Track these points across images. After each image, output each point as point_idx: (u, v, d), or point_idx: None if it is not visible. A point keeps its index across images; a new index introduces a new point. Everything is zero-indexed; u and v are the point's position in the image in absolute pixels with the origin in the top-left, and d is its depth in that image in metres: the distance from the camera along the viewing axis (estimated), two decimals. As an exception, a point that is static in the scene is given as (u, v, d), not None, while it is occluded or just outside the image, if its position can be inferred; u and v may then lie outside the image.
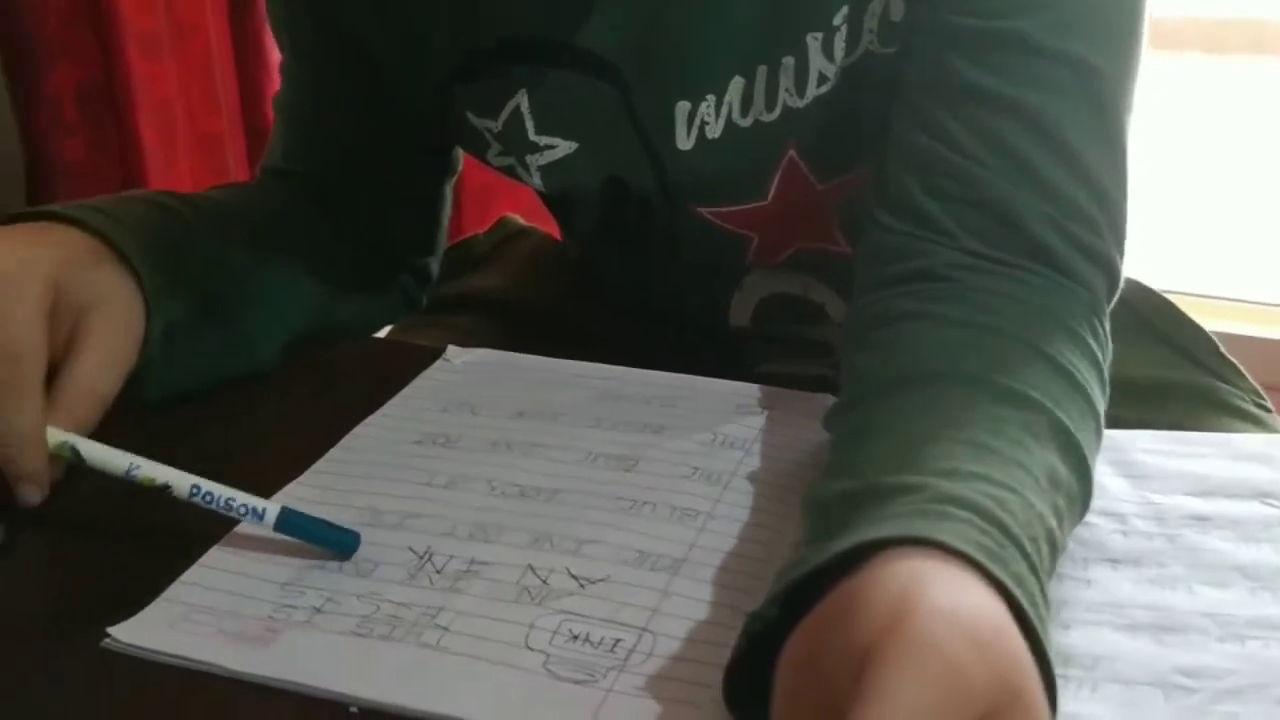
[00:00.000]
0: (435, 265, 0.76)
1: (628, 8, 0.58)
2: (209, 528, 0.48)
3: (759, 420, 0.57)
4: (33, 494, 0.50)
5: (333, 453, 0.55)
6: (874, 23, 0.56)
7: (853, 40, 0.56)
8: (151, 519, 0.51)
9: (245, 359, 0.63)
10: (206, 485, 0.48)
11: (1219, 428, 0.66)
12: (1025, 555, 0.37)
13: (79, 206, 0.57)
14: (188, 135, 2.17)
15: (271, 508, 0.47)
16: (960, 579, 0.34)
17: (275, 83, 2.05)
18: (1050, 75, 0.51)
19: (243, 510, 0.47)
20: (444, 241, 0.76)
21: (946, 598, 0.32)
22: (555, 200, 0.73)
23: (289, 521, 0.47)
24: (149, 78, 2.14)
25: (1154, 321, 0.73)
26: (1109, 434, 0.53)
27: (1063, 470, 0.43)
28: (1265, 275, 1.96)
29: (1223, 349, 0.73)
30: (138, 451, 0.49)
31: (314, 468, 0.54)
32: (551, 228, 0.83)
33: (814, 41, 0.56)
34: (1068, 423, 0.44)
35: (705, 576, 0.45)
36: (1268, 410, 0.71)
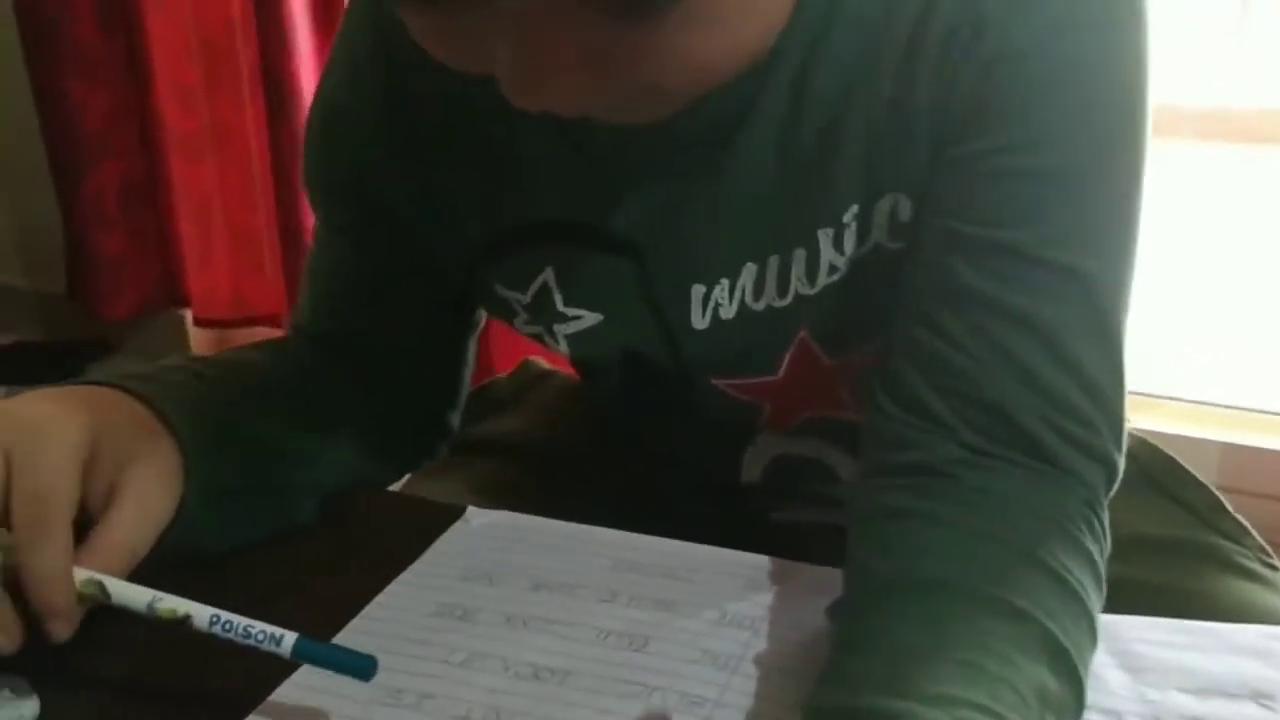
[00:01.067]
0: (457, 419, 0.78)
1: (652, 195, 0.61)
2: (236, 698, 0.51)
3: (766, 598, 0.58)
4: (61, 630, 0.50)
5: (353, 624, 0.57)
6: (883, 220, 0.58)
7: (863, 235, 0.59)
8: (179, 687, 0.53)
9: (284, 519, 0.66)
10: (225, 615, 0.49)
11: (1223, 587, 0.66)
12: None
13: (122, 375, 0.60)
14: (224, 232, 2.23)
15: (288, 636, 0.49)
16: None
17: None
18: (1046, 284, 0.53)
19: (260, 637, 0.49)
20: (465, 395, 0.78)
21: None
22: (579, 362, 0.75)
23: (305, 649, 0.49)
24: (188, 177, 2.20)
25: (1158, 477, 0.75)
26: (1111, 620, 0.55)
27: (1053, 685, 0.45)
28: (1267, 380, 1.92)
29: (1228, 505, 0.74)
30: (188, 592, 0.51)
31: (335, 641, 0.56)
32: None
33: (825, 236, 0.59)
34: (1059, 634, 0.46)
35: (710, 773, 0.47)
36: (1274, 569, 0.71)
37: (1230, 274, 2.26)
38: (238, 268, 2.26)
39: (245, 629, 0.49)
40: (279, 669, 0.53)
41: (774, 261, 0.60)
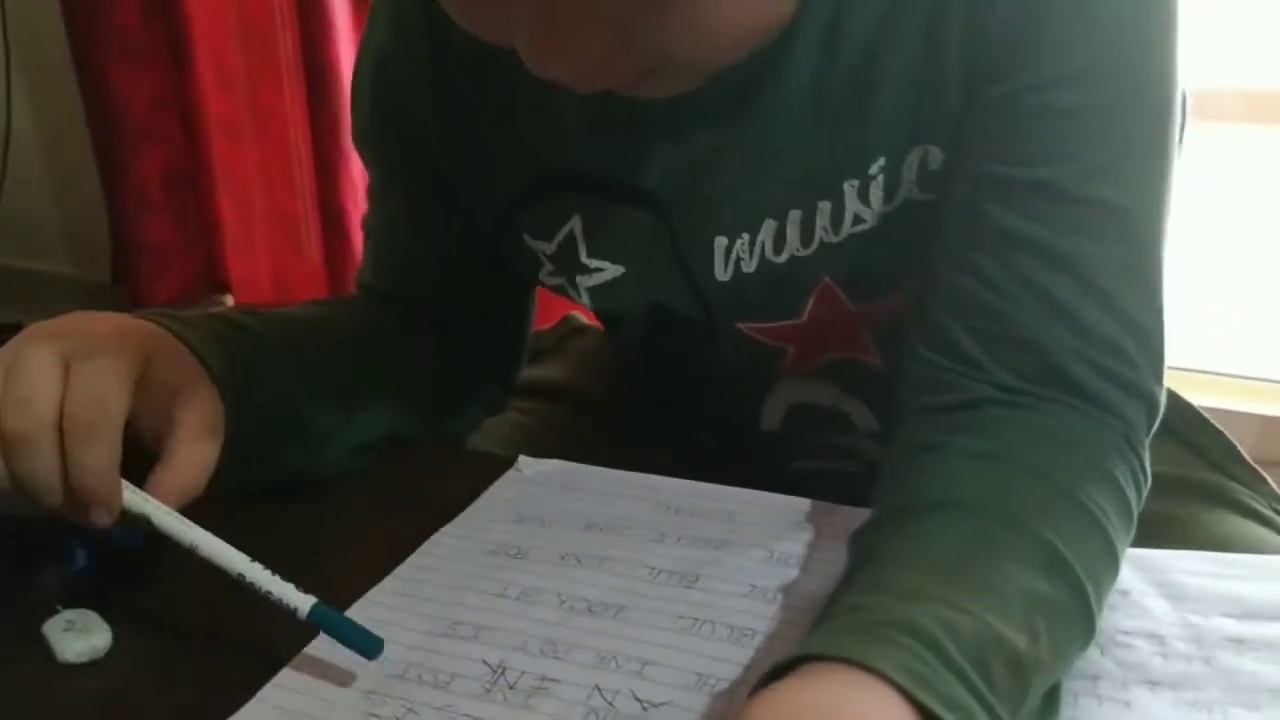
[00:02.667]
0: (519, 370, 0.80)
1: (676, 150, 0.62)
2: (301, 632, 0.52)
3: (813, 538, 0.59)
4: (102, 517, 0.52)
5: (411, 559, 0.59)
6: (912, 173, 0.59)
7: (890, 188, 0.59)
8: (249, 622, 0.55)
9: (310, 462, 0.67)
10: (251, 574, 0.51)
11: (1232, 527, 0.67)
12: (964, 678, 0.40)
13: (159, 313, 0.61)
14: (266, 215, 2.26)
15: (304, 603, 0.50)
16: (873, 699, 0.39)
17: (350, 164, 2.11)
18: (1079, 219, 0.54)
19: (280, 603, 0.51)
20: (527, 346, 0.80)
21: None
22: (601, 315, 0.77)
23: (321, 617, 0.50)
24: (230, 161, 2.23)
25: (1172, 422, 0.74)
26: (1150, 554, 0.56)
27: (1046, 589, 0.46)
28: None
29: (1245, 455, 0.74)
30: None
31: (394, 574, 0.58)
32: (611, 326, 0.88)
33: (850, 188, 0.60)
34: (1058, 544, 0.47)
35: (761, 696, 0.48)
36: None
37: (1268, 252, 2.25)
38: (278, 252, 2.28)
39: (266, 593, 0.51)
40: (347, 603, 0.55)
41: (795, 216, 0.61)
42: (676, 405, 0.80)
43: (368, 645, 0.50)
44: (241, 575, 0.51)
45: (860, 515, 0.60)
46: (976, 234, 0.56)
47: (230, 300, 2.40)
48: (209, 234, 2.34)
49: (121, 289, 2.46)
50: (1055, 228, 0.54)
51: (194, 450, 0.55)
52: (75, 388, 0.52)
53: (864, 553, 0.50)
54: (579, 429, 0.84)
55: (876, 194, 0.60)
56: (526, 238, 0.69)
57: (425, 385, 0.73)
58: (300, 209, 2.22)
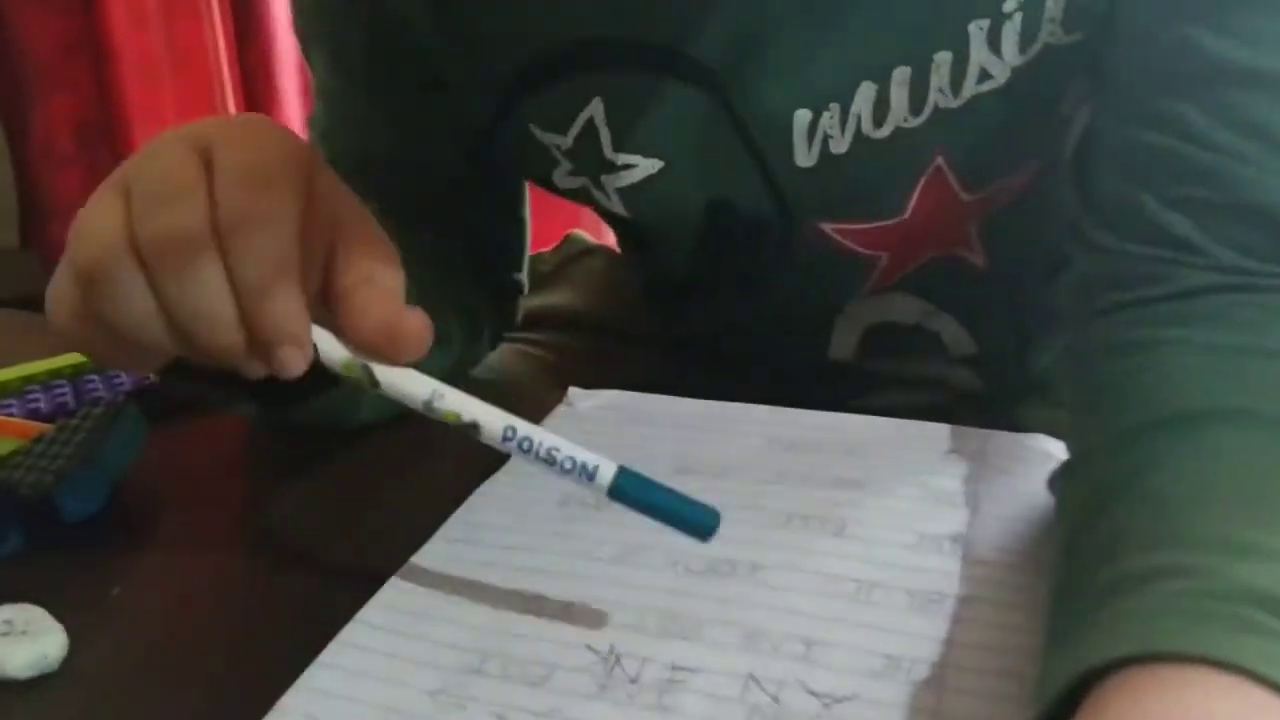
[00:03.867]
0: (524, 278, 0.67)
1: (741, 8, 0.49)
2: (336, 614, 0.39)
3: (972, 469, 0.47)
4: (294, 359, 0.36)
5: (458, 514, 0.45)
6: (1058, 8, 0.46)
7: (1029, 32, 0.47)
8: (247, 610, 0.41)
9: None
10: (524, 428, 0.37)
11: None
12: None
13: None
14: (190, 166, 2.08)
15: (606, 466, 0.37)
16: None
17: (285, 106, 1.92)
18: None
19: (568, 464, 0.37)
20: (528, 251, 0.67)
21: None
22: (634, 227, 0.61)
23: (626, 487, 0.37)
24: (147, 106, 2.05)
25: None
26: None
27: None
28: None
29: None
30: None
31: (441, 533, 0.44)
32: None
33: (977, 32, 0.47)
34: None
35: (980, 689, 0.35)
36: None
37: None
38: (205, 205, 2.11)
39: (549, 451, 0.36)
40: (348, 590, 0.41)
41: (902, 74, 0.48)
42: (718, 335, 0.67)
43: (701, 522, 0.37)
44: (511, 431, 0.37)
45: (1024, 441, 0.48)
46: (1170, 74, 0.43)
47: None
48: (126, 189, 2.16)
49: (31, 253, 2.27)
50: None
51: (385, 277, 0.38)
52: (226, 177, 0.35)
53: (1105, 490, 0.36)
54: (602, 360, 0.71)
55: (1010, 39, 0.47)
56: (536, 130, 0.55)
57: (466, 301, 0.59)
58: (228, 157, 2.04)
